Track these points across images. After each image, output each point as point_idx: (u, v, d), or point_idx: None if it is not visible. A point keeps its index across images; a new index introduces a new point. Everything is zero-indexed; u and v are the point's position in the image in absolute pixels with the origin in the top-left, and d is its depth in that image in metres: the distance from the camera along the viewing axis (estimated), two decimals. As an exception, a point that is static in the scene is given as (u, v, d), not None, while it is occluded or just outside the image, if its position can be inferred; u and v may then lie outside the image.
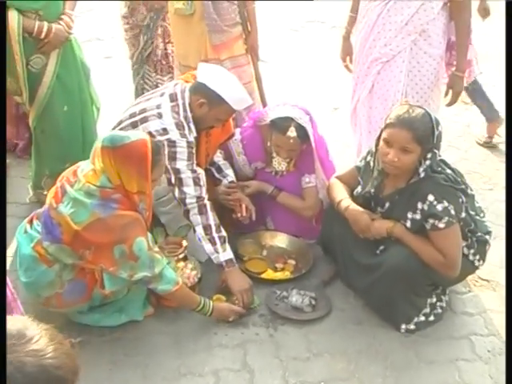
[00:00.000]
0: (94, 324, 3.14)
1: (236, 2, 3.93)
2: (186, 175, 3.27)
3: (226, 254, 3.28)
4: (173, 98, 3.36)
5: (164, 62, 4.50)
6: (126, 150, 2.80)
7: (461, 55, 3.56)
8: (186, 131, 3.28)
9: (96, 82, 4.70)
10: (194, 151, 3.31)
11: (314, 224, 3.71)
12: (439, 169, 3.02)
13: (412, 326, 3.16)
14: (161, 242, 3.34)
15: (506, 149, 2.86)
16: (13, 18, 3.47)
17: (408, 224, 3.05)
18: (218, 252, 3.26)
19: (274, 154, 3.59)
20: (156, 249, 2.97)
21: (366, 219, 3.16)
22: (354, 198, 3.29)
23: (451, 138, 4.82)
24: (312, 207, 3.66)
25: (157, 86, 4.39)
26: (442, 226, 2.94)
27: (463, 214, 3.03)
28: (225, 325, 3.20)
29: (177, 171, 3.26)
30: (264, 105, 4.23)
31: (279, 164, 3.61)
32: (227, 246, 3.29)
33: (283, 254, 3.67)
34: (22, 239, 3.03)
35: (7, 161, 4.17)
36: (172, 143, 3.24)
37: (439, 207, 2.93)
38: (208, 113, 3.33)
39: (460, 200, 3.01)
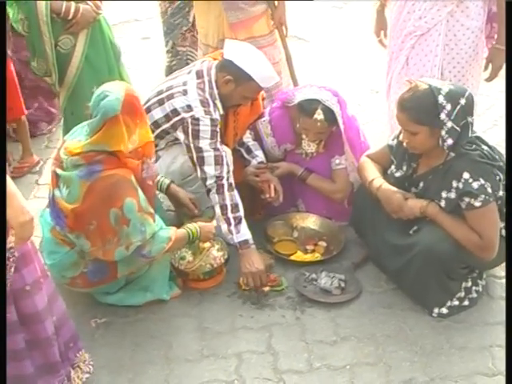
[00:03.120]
0: (120, 303, 3.19)
1: None
2: (208, 154, 3.28)
3: (239, 235, 3.27)
4: (199, 75, 3.38)
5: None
6: (127, 104, 2.81)
7: (501, 27, 3.43)
8: (211, 108, 3.30)
9: (133, 63, 4.77)
10: (217, 129, 3.31)
11: (346, 206, 3.67)
12: (474, 146, 2.94)
13: (445, 310, 3.10)
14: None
15: (506, 149, 2.75)
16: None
17: (442, 204, 2.99)
18: (231, 233, 3.27)
19: (304, 136, 3.56)
20: (150, 210, 2.93)
21: (399, 198, 3.10)
22: (387, 178, 3.24)
23: (497, 117, 4.65)
24: (342, 190, 3.62)
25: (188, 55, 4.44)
26: (478, 204, 2.87)
27: (501, 193, 2.94)
28: (251, 307, 3.20)
29: (199, 150, 3.28)
30: (295, 84, 4.18)
31: (308, 146, 3.58)
32: (242, 226, 3.28)
33: (314, 235, 3.64)
34: (43, 223, 3.08)
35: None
36: (196, 121, 3.27)
37: (475, 185, 2.85)
38: (234, 90, 3.34)
39: (497, 177, 2.93)
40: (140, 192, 2.89)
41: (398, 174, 3.20)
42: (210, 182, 3.29)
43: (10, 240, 2.21)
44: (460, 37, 3.44)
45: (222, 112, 3.36)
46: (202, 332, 3.07)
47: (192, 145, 3.28)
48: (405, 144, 3.01)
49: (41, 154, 4.49)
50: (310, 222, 3.71)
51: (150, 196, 3.02)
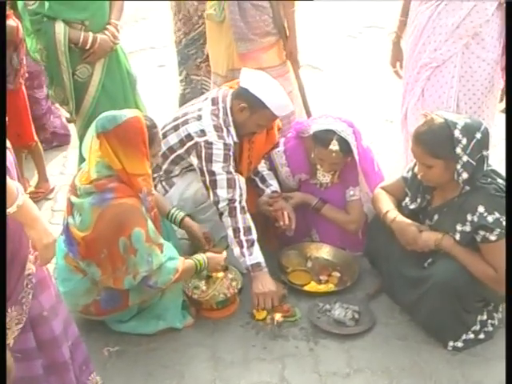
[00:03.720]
0: (132, 331, 3.19)
1: (268, 10, 3.87)
2: (221, 177, 3.31)
3: (252, 257, 3.28)
4: (214, 102, 3.44)
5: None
6: (121, 129, 2.80)
7: None
8: (224, 133, 3.35)
9: (149, 90, 4.80)
10: (231, 153, 3.35)
11: (360, 236, 3.66)
12: (489, 179, 2.93)
13: (460, 344, 3.07)
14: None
15: (506, 149, 2.74)
16: (59, 29, 3.60)
17: (457, 237, 2.97)
18: (244, 255, 3.28)
19: (319, 166, 3.56)
20: (159, 240, 2.93)
21: (413, 231, 3.10)
22: (401, 210, 3.24)
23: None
24: (356, 221, 3.61)
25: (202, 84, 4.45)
26: (493, 238, 2.85)
27: None
28: (264, 337, 3.18)
29: (212, 173, 3.32)
30: (308, 115, 4.19)
31: (323, 176, 3.58)
32: (255, 249, 3.30)
33: (328, 265, 3.63)
34: (57, 250, 3.06)
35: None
36: (209, 145, 3.31)
37: (490, 219, 2.84)
38: (249, 118, 3.38)
39: None
40: (149, 222, 2.90)
41: (412, 207, 3.20)
42: (222, 204, 3.31)
43: (29, 267, 2.24)
44: (476, 68, 3.45)
45: (236, 139, 3.40)
46: (214, 362, 3.05)
47: (205, 168, 3.32)
48: (419, 177, 3.01)
49: (56, 181, 4.53)
50: (324, 252, 3.70)
51: (157, 226, 3.02)
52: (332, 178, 3.60)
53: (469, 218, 2.91)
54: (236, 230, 3.30)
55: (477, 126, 2.87)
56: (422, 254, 3.14)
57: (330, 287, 3.48)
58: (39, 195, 4.33)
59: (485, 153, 2.89)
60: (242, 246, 3.29)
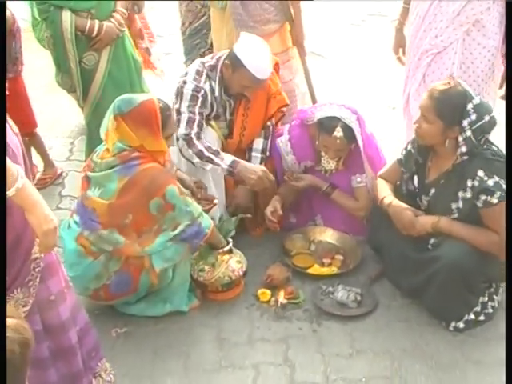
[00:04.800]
0: (140, 314, 3.22)
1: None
2: (184, 116, 3.43)
3: (225, 160, 3.44)
4: (212, 56, 3.61)
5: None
6: (136, 111, 2.91)
7: None
8: (202, 79, 3.48)
9: (155, 78, 4.80)
10: (199, 96, 3.46)
11: (365, 223, 3.66)
12: (485, 146, 2.96)
13: (461, 325, 3.09)
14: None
15: (506, 149, 2.74)
16: (66, 17, 3.62)
17: (460, 204, 3.00)
18: (219, 164, 3.40)
19: (323, 153, 3.57)
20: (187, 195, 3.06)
21: (409, 215, 3.12)
22: (398, 191, 3.29)
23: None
24: (365, 207, 3.61)
25: None
26: (495, 201, 2.86)
27: None
28: (268, 319, 3.21)
29: (178, 112, 3.45)
30: (314, 101, 4.20)
31: (328, 163, 3.59)
32: (223, 154, 3.46)
33: (331, 249, 3.65)
34: (65, 234, 3.09)
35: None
36: (183, 84, 3.47)
37: (490, 182, 2.87)
38: (232, 76, 3.47)
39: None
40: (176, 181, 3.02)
41: (409, 184, 3.24)
42: (180, 142, 3.42)
43: (35, 250, 2.23)
44: (476, 55, 3.45)
45: (217, 93, 3.52)
46: (220, 342, 3.08)
47: (175, 106, 3.45)
48: (414, 128, 3.04)
49: (63, 167, 4.55)
50: (328, 235, 3.72)
51: None
52: (337, 164, 3.60)
53: (469, 183, 2.93)
54: (200, 153, 3.41)
55: (489, 110, 2.91)
56: (423, 237, 3.15)
57: (333, 270, 3.50)
58: (47, 181, 4.34)
59: (487, 136, 2.93)
60: (211, 160, 3.41)
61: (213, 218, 3.32)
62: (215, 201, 3.41)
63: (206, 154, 3.41)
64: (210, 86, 3.50)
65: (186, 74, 3.50)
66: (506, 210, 2.65)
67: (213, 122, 3.60)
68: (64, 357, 2.48)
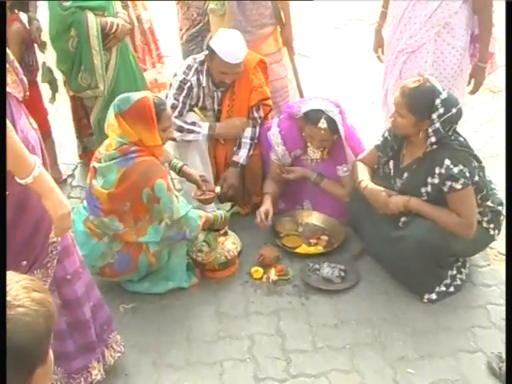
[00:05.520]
0: (145, 291, 3.27)
1: (265, 3, 3.92)
2: (168, 101, 3.53)
3: (203, 127, 3.64)
4: (201, 54, 3.74)
5: None
6: (133, 109, 2.95)
7: (483, 47, 3.52)
8: (191, 72, 3.62)
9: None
10: (185, 87, 3.60)
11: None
12: (453, 137, 3.06)
13: (434, 296, 3.17)
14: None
15: (506, 148, 2.81)
16: (90, 17, 3.65)
17: (429, 188, 3.08)
18: (199, 132, 3.61)
19: (309, 144, 3.62)
20: (176, 192, 3.10)
21: (383, 196, 3.21)
22: (376, 174, 3.36)
23: (478, 125, 4.75)
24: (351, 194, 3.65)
25: None
26: (458, 187, 2.96)
27: (476, 178, 3.04)
28: (261, 294, 3.28)
29: (166, 98, 3.57)
30: (301, 95, 4.24)
31: (314, 152, 3.62)
32: (201, 123, 3.62)
33: (317, 230, 3.71)
34: (76, 218, 3.16)
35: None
36: (174, 76, 3.66)
37: (455, 170, 2.96)
38: (211, 65, 3.59)
39: (473, 164, 3.04)
40: (169, 176, 3.06)
41: (385, 168, 3.32)
42: None
43: (53, 235, 2.28)
44: (446, 55, 3.50)
45: (204, 84, 3.63)
46: (218, 316, 3.15)
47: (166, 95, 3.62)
48: (390, 121, 3.13)
49: (74, 159, 4.54)
50: (314, 218, 3.78)
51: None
52: (322, 154, 3.64)
53: (437, 170, 3.02)
54: (180, 128, 3.57)
55: (455, 103, 3.00)
56: (397, 216, 3.23)
57: (319, 249, 3.56)
58: None
59: (454, 126, 3.02)
60: (192, 131, 3.59)
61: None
62: (217, 189, 3.50)
63: (186, 126, 3.58)
64: (198, 79, 3.62)
65: (180, 67, 3.66)
66: (506, 210, 2.72)
67: (197, 110, 3.71)
68: (79, 329, 2.54)
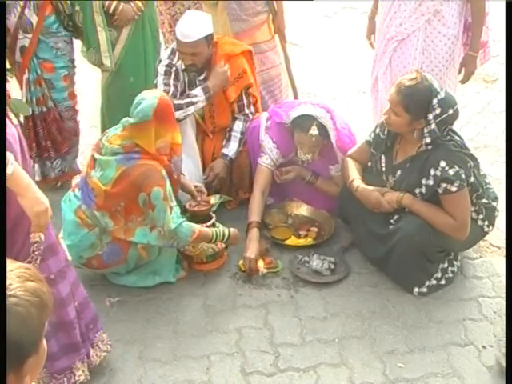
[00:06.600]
0: (132, 285, 3.21)
1: None
2: (159, 88, 3.48)
3: (198, 93, 3.51)
4: None
5: None
6: (159, 111, 2.92)
7: (474, 35, 3.47)
8: (175, 58, 3.56)
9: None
10: (172, 71, 3.55)
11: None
12: (448, 137, 2.98)
13: (424, 290, 3.12)
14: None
15: (506, 147, 2.76)
16: None
17: (423, 190, 3.01)
18: (198, 101, 3.51)
19: (299, 148, 3.50)
20: (172, 203, 2.98)
21: (376, 196, 3.13)
22: (368, 171, 3.28)
23: (471, 114, 4.71)
24: None
25: None
26: (454, 189, 2.90)
27: (472, 179, 2.98)
28: (249, 287, 3.22)
29: (155, 85, 3.52)
30: (292, 85, 4.21)
31: (304, 156, 3.49)
32: (193, 91, 3.51)
33: (307, 222, 3.65)
34: (65, 206, 3.10)
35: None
36: (159, 62, 3.60)
37: (451, 172, 2.89)
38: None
39: (469, 164, 2.97)
40: (168, 184, 2.96)
41: (378, 164, 3.23)
42: None
43: (34, 235, 2.21)
44: (437, 43, 3.44)
45: (183, 66, 3.55)
46: (205, 309, 3.10)
47: (154, 83, 3.55)
48: (384, 118, 3.04)
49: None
50: (303, 209, 3.72)
51: (175, 189, 3.10)
52: (312, 156, 3.50)
53: (432, 172, 2.94)
54: (179, 106, 3.42)
55: (453, 103, 2.92)
56: (389, 214, 3.17)
57: (309, 241, 3.51)
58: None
59: (450, 126, 2.96)
60: (191, 103, 3.48)
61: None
62: (212, 200, 3.44)
63: (183, 101, 3.47)
64: (181, 64, 3.56)
65: (164, 52, 3.65)
66: (506, 210, 2.67)
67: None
68: (63, 329, 2.49)
